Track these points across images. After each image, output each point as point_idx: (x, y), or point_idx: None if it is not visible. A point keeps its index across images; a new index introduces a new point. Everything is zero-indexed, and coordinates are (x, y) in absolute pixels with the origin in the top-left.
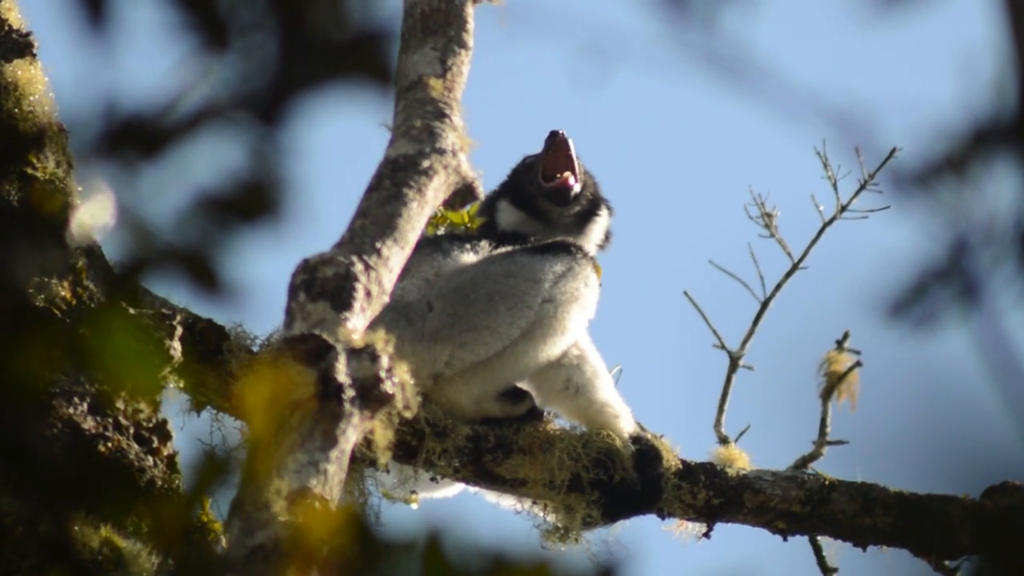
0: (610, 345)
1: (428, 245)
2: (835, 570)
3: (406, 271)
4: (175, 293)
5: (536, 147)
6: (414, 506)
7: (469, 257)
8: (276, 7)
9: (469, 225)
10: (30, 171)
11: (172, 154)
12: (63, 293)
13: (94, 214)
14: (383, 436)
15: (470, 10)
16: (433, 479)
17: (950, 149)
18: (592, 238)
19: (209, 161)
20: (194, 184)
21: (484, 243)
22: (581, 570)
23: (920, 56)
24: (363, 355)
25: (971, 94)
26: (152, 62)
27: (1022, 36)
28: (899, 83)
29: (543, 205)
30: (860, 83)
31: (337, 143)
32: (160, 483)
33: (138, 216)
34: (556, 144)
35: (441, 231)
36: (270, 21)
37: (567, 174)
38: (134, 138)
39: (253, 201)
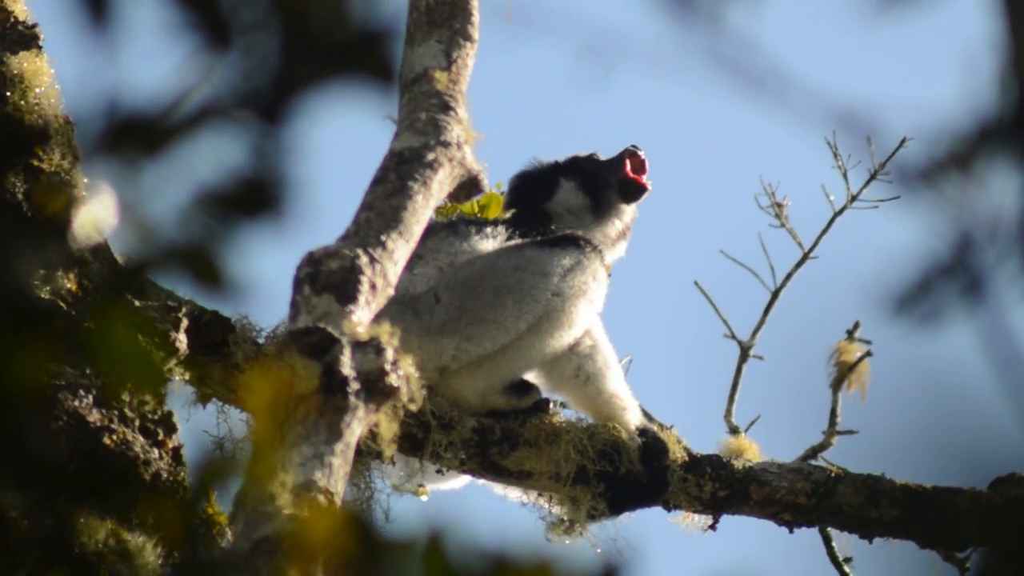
0: (620, 335)
1: (443, 228)
2: (849, 559)
3: (419, 256)
4: (179, 288)
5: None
6: (424, 498)
7: (487, 243)
8: (278, 5)
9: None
10: (36, 163)
11: (174, 152)
12: (69, 286)
13: (97, 213)
14: (388, 429)
15: (475, 3)
16: (439, 471)
17: (955, 146)
18: (613, 254)
19: (211, 159)
20: (196, 182)
21: (501, 228)
22: (583, 569)
23: (924, 54)
24: (368, 348)
25: (975, 91)
26: (155, 61)
27: (1022, 33)
28: (903, 81)
29: (610, 197)
30: (864, 82)
31: (339, 140)
32: (165, 476)
33: (141, 214)
34: (639, 156)
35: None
36: (272, 19)
37: (647, 178)
38: (136, 136)
39: (255, 199)
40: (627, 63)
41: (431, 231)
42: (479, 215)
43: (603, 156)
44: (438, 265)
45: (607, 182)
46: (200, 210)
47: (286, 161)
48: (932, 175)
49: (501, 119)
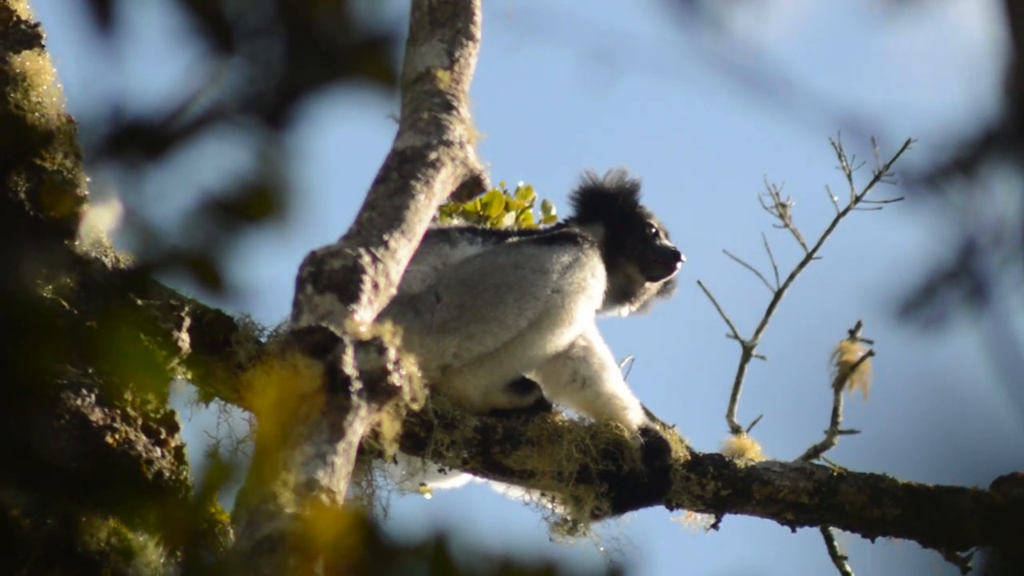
0: (623, 335)
1: (435, 235)
2: (845, 557)
3: (413, 261)
4: (181, 291)
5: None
6: (427, 496)
7: (475, 249)
8: (282, 10)
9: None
10: (38, 162)
11: (178, 157)
12: (71, 285)
13: (102, 216)
14: (391, 428)
15: (478, 2)
16: (441, 470)
17: (959, 151)
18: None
19: (215, 164)
20: (200, 187)
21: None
22: (588, 570)
23: (928, 60)
24: (370, 347)
25: (978, 97)
26: (160, 65)
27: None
28: (907, 87)
29: (644, 266)
30: (869, 86)
31: (342, 146)
32: (168, 474)
33: (144, 218)
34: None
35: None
36: (276, 24)
37: (679, 267)
38: (140, 140)
39: (258, 204)
40: (633, 67)
41: (424, 237)
42: (481, 213)
43: (656, 223)
44: (432, 264)
45: (652, 253)
46: (204, 215)
47: (290, 166)
48: (936, 180)
49: (506, 120)
